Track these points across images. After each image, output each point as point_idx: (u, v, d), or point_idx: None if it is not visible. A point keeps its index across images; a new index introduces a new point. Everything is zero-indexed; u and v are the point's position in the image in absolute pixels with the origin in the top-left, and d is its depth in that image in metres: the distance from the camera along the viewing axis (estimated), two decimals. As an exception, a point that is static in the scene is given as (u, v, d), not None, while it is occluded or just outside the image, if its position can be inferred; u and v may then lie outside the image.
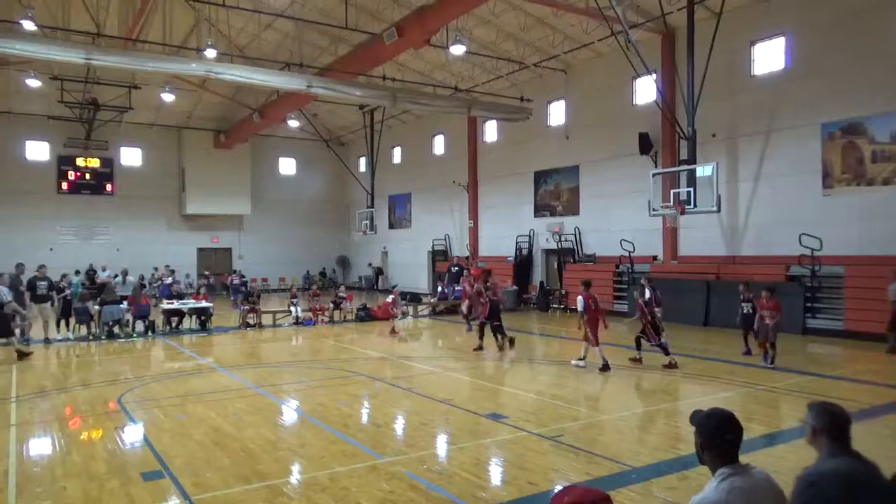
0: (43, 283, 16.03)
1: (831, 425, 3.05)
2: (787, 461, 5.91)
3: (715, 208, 15.72)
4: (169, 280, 26.01)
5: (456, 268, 25.50)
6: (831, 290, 16.24)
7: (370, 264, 37.30)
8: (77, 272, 24.80)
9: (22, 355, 13.79)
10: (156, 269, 29.37)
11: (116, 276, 22.63)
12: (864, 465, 3.02)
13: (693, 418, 3.06)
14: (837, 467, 2.96)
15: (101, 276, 24.93)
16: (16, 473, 6.54)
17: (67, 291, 17.59)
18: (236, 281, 29.14)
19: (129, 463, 6.84)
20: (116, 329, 17.36)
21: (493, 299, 14.69)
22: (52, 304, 16.64)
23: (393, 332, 17.76)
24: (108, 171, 33.47)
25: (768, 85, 18.03)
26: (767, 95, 17.98)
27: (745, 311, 13.20)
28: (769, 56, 18.10)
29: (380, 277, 36.73)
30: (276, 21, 23.90)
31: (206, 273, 34.36)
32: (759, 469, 2.94)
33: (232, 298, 27.59)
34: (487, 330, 14.52)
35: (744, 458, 2.99)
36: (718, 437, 2.93)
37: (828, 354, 14.16)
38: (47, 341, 16.04)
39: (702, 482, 3.30)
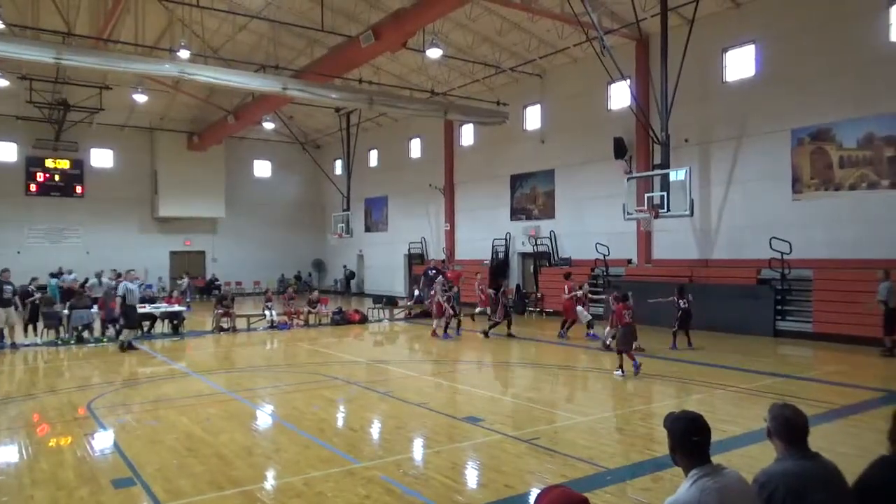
0: (8, 287, 15.68)
1: (783, 427, 3.12)
2: (760, 461, 5.99)
3: (688, 212, 15.95)
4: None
5: (433, 271, 25.46)
6: (800, 292, 16.57)
7: (345, 266, 37.13)
8: (52, 274, 24.23)
9: (130, 347, 15.35)
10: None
11: (87, 279, 22.13)
12: (819, 465, 3.08)
13: (665, 421, 3.11)
14: (787, 468, 3.03)
15: (66, 281, 24.17)
16: (-19, 482, 6.38)
17: (36, 296, 17.21)
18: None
19: (100, 470, 6.71)
20: (86, 333, 17.05)
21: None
22: (17, 309, 16.28)
23: (435, 333, 17.39)
24: (79, 173, 32.86)
25: (740, 91, 18.36)
26: (739, 101, 18.30)
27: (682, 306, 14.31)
28: (740, 63, 18.43)
29: (351, 281, 36.61)
30: (252, 23, 23.70)
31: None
32: (732, 469, 2.99)
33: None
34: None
35: (718, 459, 3.04)
36: (686, 439, 2.98)
37: (798, 356, 14.42)
38: (13, 346, 15.70)
39: (676, 483, 3.34)
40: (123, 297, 15.70)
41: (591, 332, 16.46)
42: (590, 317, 16.77)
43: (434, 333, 17.41)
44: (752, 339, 15.91)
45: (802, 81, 16.78)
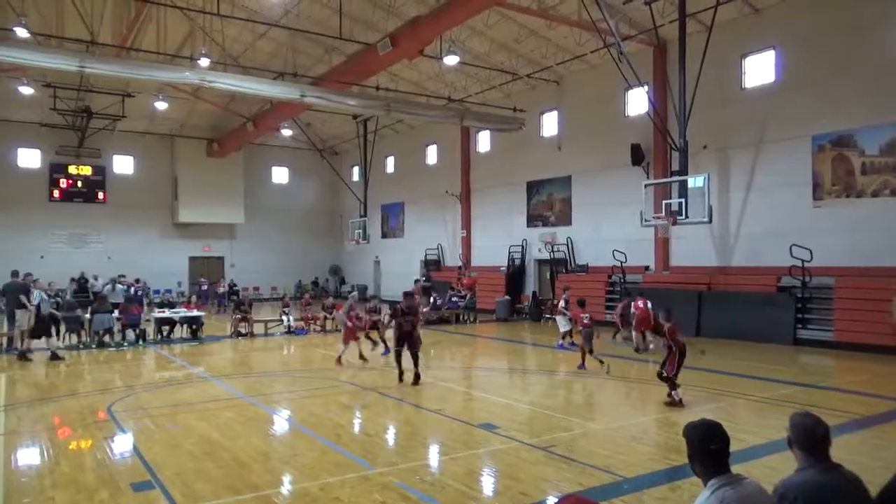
0: (35, 293, 15.86)
1: (804, 437, 3.08)
2: (781, 472, 5.90)
3: (706, 219, 15.79)
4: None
5: (424, 279, 25.43)
6: (821, 300, 16.33)
7: (331, 268, 37.24)
8: (72, 280, 24.60)
9: (55, 357, 14.52)
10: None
11: (105, 284, 22.42)
12: (841, 476, 3.03)
13: (684, 430, 3.08)
14: (807, 479, 2.99)
15: (96, 286, 24.63)
16: (3, 483, 6.47)
17: (58, 299, 17.45)
18: None
19: (119, 473, 6.78)
20: (107, 338, 17.24)
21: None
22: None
23: (339, 361, 13.85)
24: (101, 179, 33.36)
25: (759, 97, 18.20)
26: (758, 108, 18.14)
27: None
28: (760, 69, 18.28)
29: (342, 286, 36.84)
30: (271, 31, 23.95)
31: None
32: (751, 479, 2.95)
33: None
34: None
35: (738, 469, 3.00)
36: (704, 448, 2.95)
37: (818, 365, 14.22)
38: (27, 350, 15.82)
39: (694, 492, 3.31)
40: (38, 307, 14.90)
41: (562, 342, 16.09)
42: (568, 328, 15.80)
43: (338, 361, 13.81)
44: (772, 347, 15.71)
45: (823, 87, 16.60)
